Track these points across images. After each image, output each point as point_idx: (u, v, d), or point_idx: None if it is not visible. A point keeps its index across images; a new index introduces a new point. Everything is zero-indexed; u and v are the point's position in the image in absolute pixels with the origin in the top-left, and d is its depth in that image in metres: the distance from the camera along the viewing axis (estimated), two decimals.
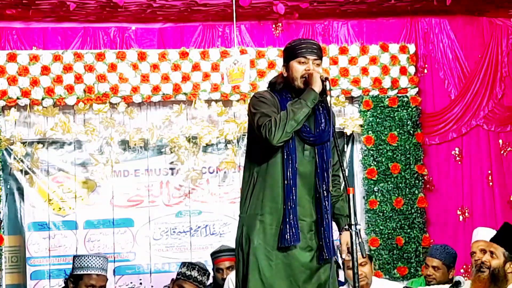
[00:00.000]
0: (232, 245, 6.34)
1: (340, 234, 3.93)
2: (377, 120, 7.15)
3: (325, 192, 3.86)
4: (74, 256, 5.72)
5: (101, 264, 5.56)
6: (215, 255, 6.12)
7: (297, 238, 3.81)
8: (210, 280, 6.14)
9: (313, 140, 3.89)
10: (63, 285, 5.70)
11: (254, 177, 3.91)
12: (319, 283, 3.89)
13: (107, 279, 5.64)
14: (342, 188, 4.11)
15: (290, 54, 3.93)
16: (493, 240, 4.43)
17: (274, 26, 7.24)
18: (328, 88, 3.83)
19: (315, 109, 3.87)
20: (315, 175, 3.90)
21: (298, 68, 3.87)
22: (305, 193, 3.88)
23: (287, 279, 3.84)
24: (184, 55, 6.90)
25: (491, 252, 4.35)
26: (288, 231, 3.80)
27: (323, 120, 3.90)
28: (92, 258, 5.57)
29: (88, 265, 5.51)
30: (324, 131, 3.89)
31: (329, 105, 3.89)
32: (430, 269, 5.91)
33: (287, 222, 3.80)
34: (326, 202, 3.87)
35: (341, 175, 4.07)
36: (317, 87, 3.80)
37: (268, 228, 3.85)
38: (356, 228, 3.70)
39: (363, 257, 3.83)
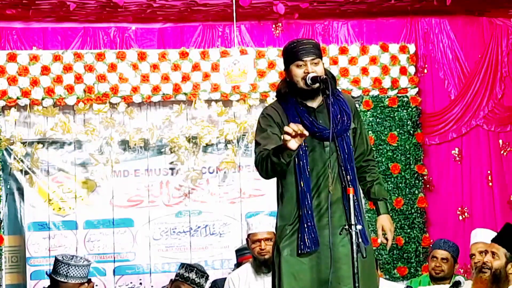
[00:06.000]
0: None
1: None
2: (377, 120, 7.15)
3: (350, 182, 3.88)
4: (55, 259, 5.23)
5: (80, 273, 5.16)
6: (240, 252, 6.10)
7: (315, 243, 3.83)
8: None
9: (329, 134, 3.86)
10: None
11: (280, 188, 4.00)
12: (358, 273, 3.84)
13: (89, 281, 5.26)
14: (377, 172, 4.23)
15: (288, 58, 3.99)
16: (494, 240, 4.41)
17: (274, 26, 7.23)
18: (328, 85, 3.83)
19: (327, 104, 3.87)
20: (339, 167, 3.92)
21: (297, 72, 3.92)
22: (332, 189, 3.88)
23: (327, 277, 3.83)
24: (184, 55, 6.90)
25: (493, 253, 4.33)
26: (304, 237, 3.84)
27: (337, 113, 3.94)
28: (71, 267, 5.12)
29: (66, 274, 5.11)
30: (341, 123, 3.94)
31: (330, 104, 3.87)
32: (439, 261, 5.88)
33: (303, 228, 3.84)
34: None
35: (373, 159, 4.24)
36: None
37: (295, 236, 3.89)
38: (356, 228, 3.71)
39: (364, 257, 3.80)
